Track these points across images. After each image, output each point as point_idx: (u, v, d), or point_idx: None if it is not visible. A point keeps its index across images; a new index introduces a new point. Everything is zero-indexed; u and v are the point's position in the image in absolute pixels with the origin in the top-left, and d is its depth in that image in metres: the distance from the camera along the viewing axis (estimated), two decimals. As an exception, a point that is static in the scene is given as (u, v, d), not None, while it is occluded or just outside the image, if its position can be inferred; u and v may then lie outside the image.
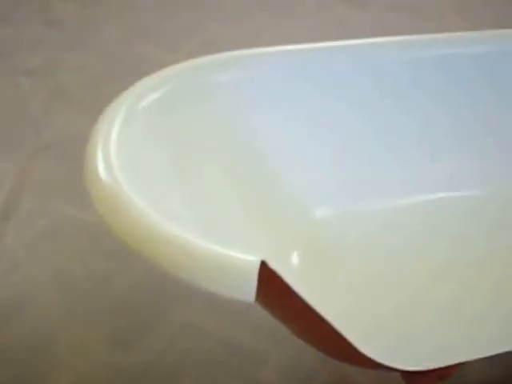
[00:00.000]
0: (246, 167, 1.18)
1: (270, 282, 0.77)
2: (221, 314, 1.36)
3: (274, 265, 0.76)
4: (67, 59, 2.10)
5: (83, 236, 1.44)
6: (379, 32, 2.41)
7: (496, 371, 1.42)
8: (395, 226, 1.34)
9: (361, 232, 1.30)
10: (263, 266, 0.74)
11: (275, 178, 1.22)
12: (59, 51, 2.16)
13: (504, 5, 2.68)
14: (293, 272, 1.17)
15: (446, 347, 1.07)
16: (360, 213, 1.32)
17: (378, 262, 1.25)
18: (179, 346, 1.29)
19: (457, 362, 0.94)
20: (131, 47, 2.22)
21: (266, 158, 1.22)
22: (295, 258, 1.20)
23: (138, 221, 0.77)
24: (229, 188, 1.12)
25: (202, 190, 1.03)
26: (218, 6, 2.60)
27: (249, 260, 0.72)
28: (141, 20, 2.40)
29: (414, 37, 1.43)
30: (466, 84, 1.39)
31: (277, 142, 1.24)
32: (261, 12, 2.58)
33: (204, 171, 1.05)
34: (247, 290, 0.72)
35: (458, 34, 1.44)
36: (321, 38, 2.18)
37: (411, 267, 1.26)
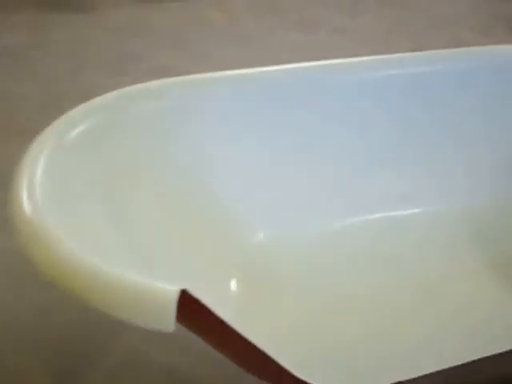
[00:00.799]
0: (181, 195, 1.17)
1: (194, 311, 0.76)
2: (164, 342, 1.35)
3: (198, 294, 0.75)
4: (14, 87, 2.08)
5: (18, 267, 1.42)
6: (327, 55, 2.43)
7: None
8: (336, 248, 1.35)
9: (300, 255, 1.30)
10: (185, 295, 0.73)
11: (212, 204, 1.22)
12: (7, 80, 2.14)
13: (451, 25, 2.73)
14: (231, 299, 1.17)
15: (377, 369, 1.08)
16: (300, 235, 1.33)
17: (317, 286, 1.26)
18: (124, 374, 1.28)
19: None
20: (79, 74, 2.22)
21: (201, 184, 1.22)
22: (234, 285, 1.20)
23: (57, 256, 0.75)
24: (163, 218, 1.12)
25: (134, 221, 1.03)
26: (166, 34, 2.61)
27: (166, 290, 0.72)
28: (89, 47, 2.40)
29: (361, 59, 1.46)
30: (400, 105, 1.43)
31: (213, 169, 1.25)
32: (210, 39, 2.60)
33: (135, 201, 1.05)
34: (166, 320, 0.72)
35: (397, 55, 1.47)
36: (272, 62, 2.17)
37: (350, 290, 1.27)
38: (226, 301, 1.15)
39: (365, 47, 2.54)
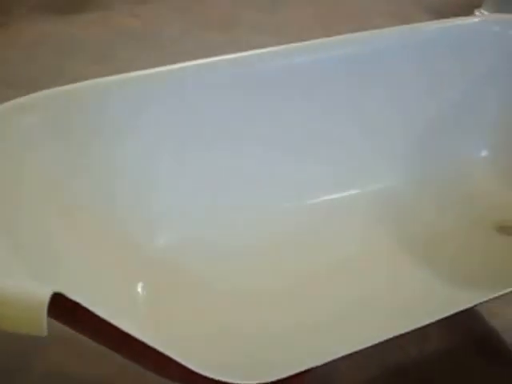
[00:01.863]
0: (73, 200, 1.13)
1: (72, 313, 0.72)
2: (83, 356, 1.31)
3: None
4: None
5: None
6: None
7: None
8: (244, 245, 1.33)
9: (209, 255, 1.27)
10: (58, 297, 0.69)
11: (110, 208, 1.18)
12: None
13: (364, 18, 2.74)
14: (139, 302, 1.14)
15: (291, 358, 1.05)
16: (209, 234, 1.30)
17: (228, 283, 1.23)
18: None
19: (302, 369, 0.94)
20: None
21: (99, 189, 1.18)
22: (141, 288, 1.17)
23: None
24: (61, 228, 1.08)
25: (29, 232, 0.99)
26: (80, 45, 2.56)
27: (37, 294, 0.67)
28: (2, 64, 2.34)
29: (284, 46, 1.43)
30: (333, 88, 1.41)
31: (111, 172, 1.21)
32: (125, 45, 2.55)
33: (32, 214, 1.01)
34: (37, 324, 0.68)
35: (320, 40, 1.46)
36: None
37: (263, 283, 1.24)
38: (133, 304, 1.11)
39: (283, 42, 2.53)
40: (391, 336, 1.00)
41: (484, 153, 1.57)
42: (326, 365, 0.96)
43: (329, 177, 1.47)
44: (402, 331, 1.02)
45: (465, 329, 1.53)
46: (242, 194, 1.36)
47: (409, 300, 1.25)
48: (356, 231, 1.42)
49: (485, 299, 1.12)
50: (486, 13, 3.05)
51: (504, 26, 1.50)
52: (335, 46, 1.42)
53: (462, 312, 1.08)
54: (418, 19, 1.67)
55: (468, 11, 3.03)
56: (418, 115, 1.53)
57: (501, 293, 1.12)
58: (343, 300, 1.25)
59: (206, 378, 0.82)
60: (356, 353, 0.97)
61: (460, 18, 1.54)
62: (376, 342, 0.97)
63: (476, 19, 1.54)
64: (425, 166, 1.54)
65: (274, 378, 0.89)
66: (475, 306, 1.13)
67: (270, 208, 1.38)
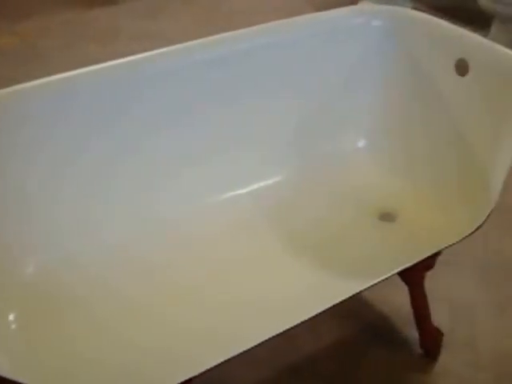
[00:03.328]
0: None
1: None
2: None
3: None
4: None
5: None
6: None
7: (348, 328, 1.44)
8: (122, 262, 1.30)
9: (85, 275, 1.23)
10: None
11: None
12: None
13: (247, 16, 2.73)
14: (12, 332, 1.09)
15: (171, 370, 1.03)
16: (84, 255, 1.26)
17: (104, 301, 1.19)
18: None
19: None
20: None
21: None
22: (12, 319, 1.12)
23: None
24: None
25: None
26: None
27: None
28: None
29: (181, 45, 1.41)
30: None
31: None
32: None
33: None
34: None
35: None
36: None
37: (136, 298, 1.21)
38: (4, 336, 1.07)
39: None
40: (271, 335, 1.01)
41: (361, 143, 1.58)
42: (217, 367, 0.95)
43: (215, 178, 1.46)
44: (283, 328, 1.02)
45: (356, 319, 1.54)
46: (110, 218, 1.33)
47: (296, 296, 1.24)
48: (244, 231, 1.41)
49: (367, 286, 1.14)
50: (369, 3, 3.11)
51: (367, 17, 1.52)
52: (200, 49, 1.40)
53: (351, 302, 1.09)
54: (303, 12, 1.67)
55: (353, 2, 3.08)
56: (294, 110, 1.53)
57: (382, 277, 1.14)
58: (228, 302, 1.24)
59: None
60: (247, 354, 0.97)
61: (327, 11, 1.55)
62: (259, 340, 0.99)
63: (342, 11, 1.55)
64: (305, 161, 1.54)
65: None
66: (361, 292, 1.14)
67: (145, 223, 1.36)
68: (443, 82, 1.45)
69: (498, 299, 1.60)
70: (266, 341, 1.01)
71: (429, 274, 1.38)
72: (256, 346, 1.00)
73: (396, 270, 1.19)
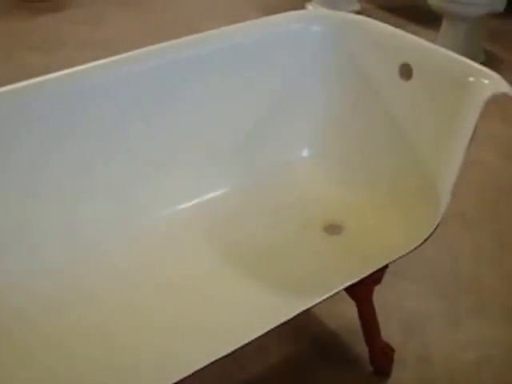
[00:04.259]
0: None
1: None
2: None
3: None
4: None
5: None
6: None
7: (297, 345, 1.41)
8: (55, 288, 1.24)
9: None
10: None
11: None
12: None
13: (194, 23, 2.66)
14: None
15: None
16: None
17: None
18: None
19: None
20: None
21: None
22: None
23: None
24: None
25: None
26: None
27: None
28: None
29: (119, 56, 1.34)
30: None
31: None
32: None
33: None
34: None
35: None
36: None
37: (81, 317, 1.16)
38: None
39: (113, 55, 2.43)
40: (216, 358, 0.97)
41: (305, 152, 1.53)
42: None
43: (156, 193, 1.40)
44: (228, 351, 0.98)
45: (304, 336, 1.48)
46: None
47: (240, 317, 1.19)
48: (185, 250, 1.35)
49: (311, 305, 1.08)
50: (317, 6, 3.06)
51: (306, 22, 1.46)
52: (138, 60, 1.34)
53: (298, 318, 1.04)
54: (251, 18, 1.61)
55: (302, 6, 3.03)
56: (234, 121, 1.47)
57: (327, 295, 1.09)
58: (167, 326, 1.18)
59: None
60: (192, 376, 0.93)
61: (265, 17, 1.49)
62: (204, 364, 0.95)
63: (280, 17, 1.48)
64: (248, 172, 1.48)
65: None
66: (309, 309, 1.08)
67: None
68: (386, 87, 1.40)
69: (452, 310, 1.55)
70: (212, 363, 0.96)
71: (380, 286, 1.32)
72: (201, 369, 0.95)
73: (342, 287, 1.13)
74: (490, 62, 2.57)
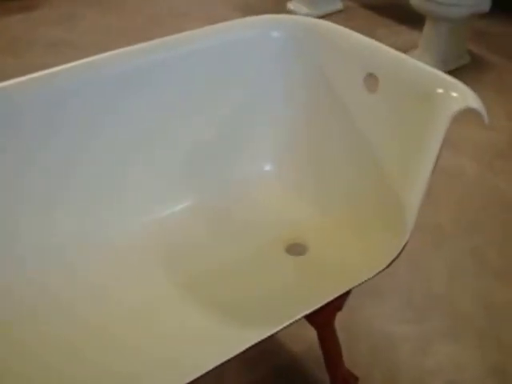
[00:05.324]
0: None
1: None
2: None
3: None
4: None
5: None
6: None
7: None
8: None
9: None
10: None
11: None
12: None
13: (170, 23, 2.59)
14: None
15: None
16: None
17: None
18: None
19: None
20: None
21: None
22: None
23: None
24: None
25: None
26: None
27: None
28: None
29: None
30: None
31: None
32: None
33: None
34: None
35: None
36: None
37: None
38: None
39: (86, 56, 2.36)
40: None
41: (268, 166, 1.44)
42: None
43: (108, 211, 1.32)
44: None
45: (265, 361, 1.40)
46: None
47: (192, 345, 1.12)
48: (139, 269, 1.27)
49: (266, 335, 1.01)
50: (298, 5, 2.97)
51: (267, 28, 1.37)
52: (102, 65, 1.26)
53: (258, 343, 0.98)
54: (228, 18, 1.54)
55: (283, 6, 2.94)
56: (193, 134, 1.39)
57: (285, 324, 1.01)
58: (119, 358, 1.11)
59: None
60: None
61: (225, 22, 1.40)
62: None
63: (240, 22, 1.40)
64: (208, 188, 1.40)
65: None
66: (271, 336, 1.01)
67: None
68: (350, 99, 1.32)
69: (423, 334, 1.47)
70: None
71: (348, 306, 1.24)
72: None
73: (300, 315, 1.05)
74: (475, 63, 2.48)
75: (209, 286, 1.24)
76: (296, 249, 1.32)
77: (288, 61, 1.37)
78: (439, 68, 2.50)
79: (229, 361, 0.97)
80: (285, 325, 1.02)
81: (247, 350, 0.98)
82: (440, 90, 1.15)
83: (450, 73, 2.45)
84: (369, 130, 1.30)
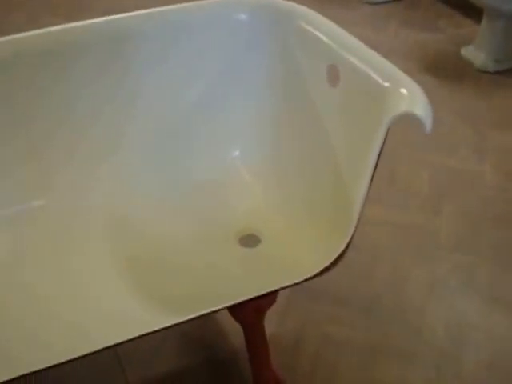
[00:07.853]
0: None
1: None
2: None
3: None
4: None
5: None
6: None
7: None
8: None
9: None
10: None
11: None
12: None
13: None
14: None
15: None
16: None
17: None
18: None
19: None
20: None
21: None
22: None
23: None
24: None
25: None
26: None
27: None
28: None
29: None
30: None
31: None
32: None
33: None
34: None
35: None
36: None
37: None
38: None
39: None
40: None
41: (236, 153, 1.39)
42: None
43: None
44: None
45: (205, 350, 1.36)
46: None
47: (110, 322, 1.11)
48: (85, 249, 1.26)
49: (184, 319, 0.98)
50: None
51: (231, 9, 1.31)
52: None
53: (205, 331, 1.05)
54: None
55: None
56: (158, 118, 1.35)
57: (194, 315, 0.98)
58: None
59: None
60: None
61: (194, 2, 1.34)
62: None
63: (208, 3, 1.33)
64: (170, 175, 1.37)
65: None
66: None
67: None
68: (315, 89, 1.25)
69: (372, 340, 1.39)
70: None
71: (297, 306, 1.18)
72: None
73: (211, 310, 1.01)
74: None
75: (148, 271, 1.21)
76: (249, 240, 1.27)
77: (254, 44, 1.32)
78: (489, 67, 2.34)
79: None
80: (192, 316, 0.98)
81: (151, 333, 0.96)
82: (389, 89, 1.07)
83: (500, 73, 2.31)
84: (327, 125, 1.23)
